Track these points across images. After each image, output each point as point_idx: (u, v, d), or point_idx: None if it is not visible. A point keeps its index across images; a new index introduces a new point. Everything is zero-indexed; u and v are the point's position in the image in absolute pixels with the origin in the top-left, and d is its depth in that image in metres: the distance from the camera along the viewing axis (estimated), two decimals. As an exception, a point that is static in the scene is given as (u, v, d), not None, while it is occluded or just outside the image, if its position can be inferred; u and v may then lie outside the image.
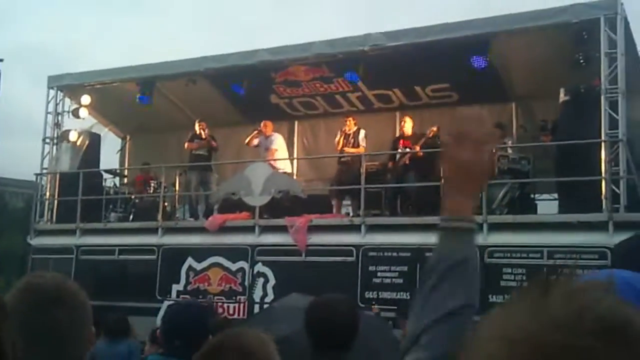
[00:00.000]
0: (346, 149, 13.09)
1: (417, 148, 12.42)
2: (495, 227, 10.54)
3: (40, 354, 1.87)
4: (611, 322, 0.69)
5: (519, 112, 13.68)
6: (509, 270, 10.08)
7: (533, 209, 11.34)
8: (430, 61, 12.45)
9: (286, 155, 14.22)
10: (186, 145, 14.51)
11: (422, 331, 1.48)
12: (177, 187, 14.52)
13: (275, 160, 13.50)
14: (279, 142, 13.87)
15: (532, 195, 11.54)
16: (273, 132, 13.96)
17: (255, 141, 13.93)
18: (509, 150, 11.95)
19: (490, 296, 10.08)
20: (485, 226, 10.53)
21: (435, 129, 12.38)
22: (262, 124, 13.86)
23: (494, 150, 1.50)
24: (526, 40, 11.76)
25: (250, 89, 14.38)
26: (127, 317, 8.01)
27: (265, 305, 11.31)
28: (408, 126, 12.94)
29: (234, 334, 2.02)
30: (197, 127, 14.45)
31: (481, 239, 10.47)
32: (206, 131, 14.46)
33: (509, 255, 10.24)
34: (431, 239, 10.34)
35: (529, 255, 10.01)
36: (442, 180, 1.62)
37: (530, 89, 12.99)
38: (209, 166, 14.54)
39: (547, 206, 11.70)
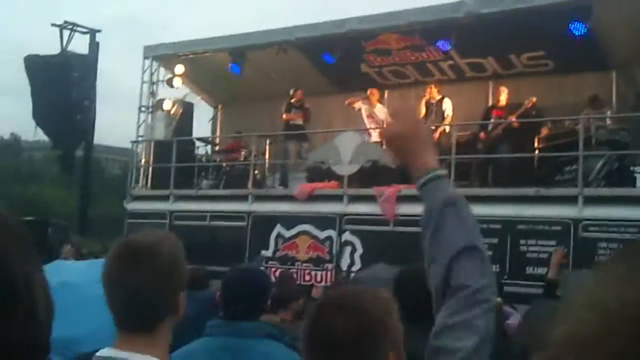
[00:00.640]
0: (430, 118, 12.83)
1: (513, 118, 12.10)
2: (591, 201, 10.18)
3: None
4: None
5: (620, 81, 13.09)
6: (605, 245, 9.73)
7: (632, 182, 10.92)
8: (526, 28, 12.05)
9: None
10: (284, 116, 14.55)
11: (442, 280, 1.68)
12: (267, 156, 14.65)
13: (372, 129, 13.46)
14: (383, 114, 13.88)
15: (631, 168, 11.08)
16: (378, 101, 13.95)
17: (357, 104, 13.89)
18: (608, 121, 11.51)
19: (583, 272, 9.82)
20: (580, 199, 10.20)
21: (534, 99, 12.06)
22: (369, 92, 13.84)
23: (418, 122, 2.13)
24: (627, 6, 11.25)
25: (341, 58, 14.32)
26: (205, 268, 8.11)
27: (352, 275, 11.33)
28: (503, 96, 12.63)
29: (347, 292, 1.99)
30: (294, 96, 14.47)
31: (576, 212, 10.17)
32: (302, 100, 14.52)
33: (605, 229, 9.88)
34: (523, 211, 10.20)
35: (627, 230, 9.62)
36: (393, 154, 1.87)
37: (632, 56, 12.40)
38: (305, 135, 14.58)
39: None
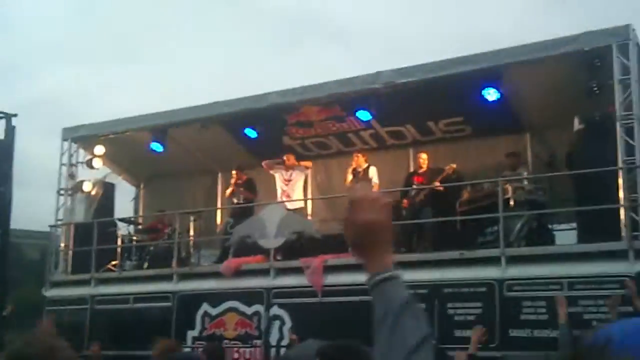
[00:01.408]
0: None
1: (437, 183, 12.27)
2: (513, 260, 10.29)
3: None
4: None
5: (534, 142, 13.47)
6: (529, 304, 9.79)
7: (551, 240, 11.08)
8: (442, 96, 12.36)
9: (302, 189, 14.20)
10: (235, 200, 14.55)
11: None
12: (191, 233, 14.41)
13: (289, 200, 13.44)
14: (302, 177, 13.91)
15: (549, 226, 11.29)
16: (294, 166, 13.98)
17: (273, 170, 13.93)
18: (525, 182, 11.75)
19: (510, 330, 9.83)
20: (503, 259, 10.29)
21: (454, 166, 12.29)
22: (285, 157, 13.91)
23: (385, 212, 1.76)
24: (538, 71, 11.64)
25: (263, 132, 14.38)
26: None
27: (282, 350, 11.09)
28: (424, 162, 12.82)
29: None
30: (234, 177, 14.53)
31: (500, 272, 10.25)
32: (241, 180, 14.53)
33: (528, 288, 9.96)
34: (449, 274, 10.21)
35: (549, 287, 9.71)
36: (351, 247, 1.72)
37: (544, 118, 12.80)
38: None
39: (566, 236, 11.43)
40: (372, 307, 1.69)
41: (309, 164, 14.28)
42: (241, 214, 14.11)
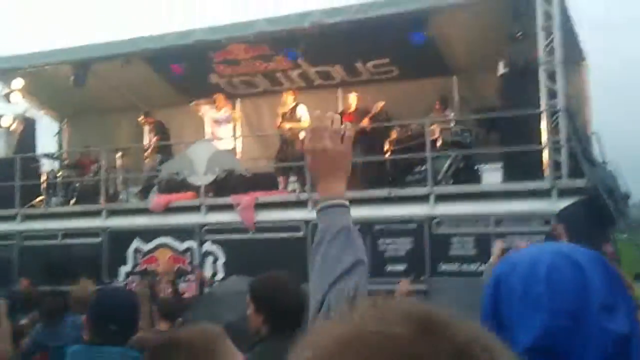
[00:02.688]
0: (285, 123, 13.05)
1: (367, 122, 12.54)
2: (441, 198, 10.74)
3: None
4: (417, 316, 0.75)
5: (460, 85, 13.91)
6: (457, 240, 10.30)
7: (477, 179, 11.62)
8: (370, 37, 12.53)
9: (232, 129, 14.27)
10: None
11: (323, 296, 1.70)
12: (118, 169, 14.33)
13: (220, 139, 13.49)
14: (234, 116, 13.95)
15: (475, 167, 11.80)
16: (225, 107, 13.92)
17: (202, 110, 13.91)
18: (452, 124, 12.20)
19: (440, 264, 10.37)
20: (432, 197, 10.74)
21: (381, 104, 12.58)
22: (215, 96, 13.81)
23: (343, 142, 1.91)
24: (464, 15, 11.93)
25: (189, 69, 14.26)
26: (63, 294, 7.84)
27: (216, 284, 11.31)
28: (353, 102, 13.04)
29: (183, 332, 2.09)
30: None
31: (428, 209, 10.71)
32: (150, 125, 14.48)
33: (456, 225, 10.46)
34: (378, 211, 10.62)
35: (476, 224, 10.25)
36: (309, 172, 1.85)
37: (470, 62, 13.19)
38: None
39: (492, 176, 11.97)
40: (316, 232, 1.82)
41: (235, 114, 14.27)
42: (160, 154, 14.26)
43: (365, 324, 0.73)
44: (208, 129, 13.84)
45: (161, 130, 14.63)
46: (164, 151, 14.27)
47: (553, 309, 1.29)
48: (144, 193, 13.83)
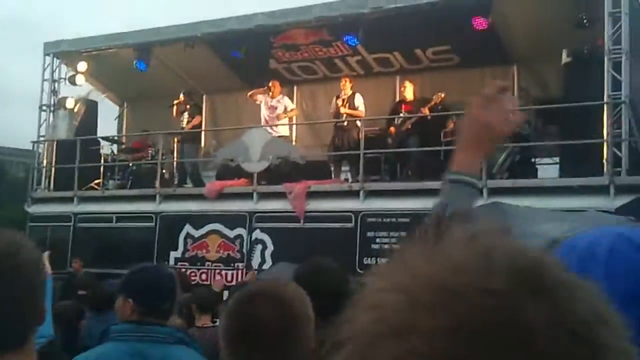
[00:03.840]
0: (342, 110, 12.78)
1: (426, 111, 12.21)
2: (495, 192, 10.35)
3: None
4: (523, 264, 0.56)
5: (521, 74, 13.41)
6: (511, 235, 9.90)
7: (534, 173, 11.16)
8: (431, 23, 12.21)
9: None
10: (187, 126, 14.37)
11: None
12: (175, 154, 14.39)
13: (277, 125, 13.33)
14: (290, 103, 13.77)
15: (532, 160, 11.34)
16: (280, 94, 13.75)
17: (259, 98, 13.66)
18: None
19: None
20: (485, 191, 10.36)
21: (443, 95, 12.22)
22: (270, 83, 13.53)
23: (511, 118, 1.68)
24: (528, 1, 11.50)
25: (249, 54, 14.18)
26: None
27: (263, 271, 11.23)
28: (409, 91, 12.70)
29: (269, 284, 1.99)
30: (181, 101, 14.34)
31: (481, 203, 10.33)
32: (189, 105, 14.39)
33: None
34: (431, 204, 10.36)
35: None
36: (458, 137, 1.71)
37: (532, 50, 12.68)
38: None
39: (549, 170, 11.51)
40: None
41: (293, 113, 14.09)
42: (191, 139, 14.32)
43: (457, 270, 0.56)
44: (263, 116, 13.67)
45: (200, 113, 14.55)
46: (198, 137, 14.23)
47: (611, 293, 1.14)
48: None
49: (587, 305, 0.57)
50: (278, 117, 13.40)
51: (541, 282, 0.55)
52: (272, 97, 13.51)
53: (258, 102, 13.74)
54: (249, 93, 13.75)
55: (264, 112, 13.47)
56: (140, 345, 3.12)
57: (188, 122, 14.20)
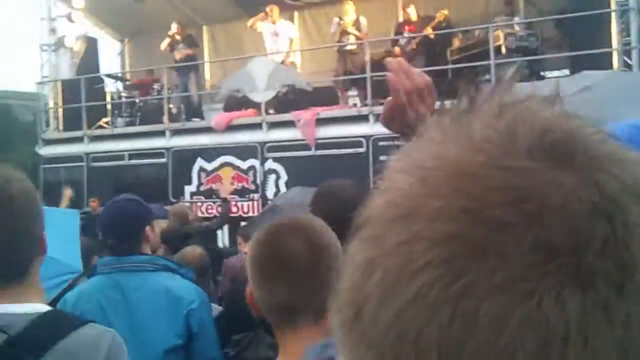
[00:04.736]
0: (351, 30, 12.61)
1: (430, 30, 12.08)
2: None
3: None
4: (553, 138, 0.50)
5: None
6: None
7: (544, 87, 11.10)
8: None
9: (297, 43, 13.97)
10: (176, 55, 14.10)
11: None
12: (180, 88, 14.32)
13: (283, 52, 13.21)
14: (294, 31, 13.56)
15: (541, 73, 11.28)
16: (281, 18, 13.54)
17: (259, 26, 13.42)
18: (517, 28, 11.64)
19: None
20: (495, 107, 10.36)
21: (446, 12, 12.07)
22: (268, 8, 13.25)
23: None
24: None
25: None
26: None
27: (278, 195, 11.32)
28: (412, 10, 12.55)
29: (297, 217, 1.96)
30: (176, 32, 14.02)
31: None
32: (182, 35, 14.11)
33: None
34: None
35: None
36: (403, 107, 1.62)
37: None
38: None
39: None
40: None
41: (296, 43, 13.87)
42: (183, 69, 14.02)
43: (474, 148, 0.50)
44: (267, 44, 13.50)
45: (195, 44, 14.38)
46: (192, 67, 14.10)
47: None
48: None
49: (624, 181, 0.49)
50: (287, 43, 13.29)
51: (571, 157, 0.49)
52: (273, 23, 13.34)
53: (259, 31, 13.58)
54: (249, 23, 13.56)
55: (268, 40, 13.33)
56: (119, 276, 3.23)
57: (187, 55, 14.08)
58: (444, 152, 0.51)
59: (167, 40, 13.98)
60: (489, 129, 0.51)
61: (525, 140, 0.49)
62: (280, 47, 13.35)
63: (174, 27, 14.00)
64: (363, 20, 12.62)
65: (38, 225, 1.89)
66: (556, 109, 0.52)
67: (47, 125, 14.89)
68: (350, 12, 12.71)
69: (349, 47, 12.57)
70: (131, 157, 13.19)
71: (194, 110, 13.94)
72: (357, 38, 12.51)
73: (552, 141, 0.49)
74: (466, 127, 0.52)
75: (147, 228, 3.46)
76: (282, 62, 13.19)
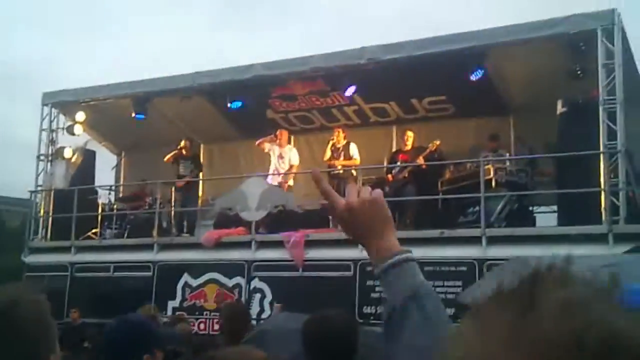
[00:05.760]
0: (337, 162, 12.96)
1: (421, 160, 12.31)
2: (493, 240, 10.42)
3: None
4: (622, 346, 0.51)
5: (517, 124, 13.56)
6: (509, 284, 9.90)
7: (531, 222, 11.20)
8: (426, 74, 12.36)
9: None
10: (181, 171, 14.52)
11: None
12: (172, 203, 14.41)
13: (281, 174, 13.43)
14: (296, 158, 13.83)
15: (530, 208, 11.41)
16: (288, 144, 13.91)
17: (267, 146, 13.79)
18: (507, 163, 11.86)
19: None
20: (484, 239, 10.42)
21: (438, 142, 12.34)
22: (278, 132, 13.75)
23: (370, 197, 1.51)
24: (523, 52, 11.69)
25: (246, 104, 14.29)
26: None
27: (262, 321, 11.15)
28: (410, 141, 12.86)
29: (229, 351, 1.98)
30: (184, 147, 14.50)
31: (481, 252, 10.38)
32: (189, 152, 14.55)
33: (508, 268, 10.08)
34: (430, 252, 10.29)
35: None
36: (348, 234, 1.54)
37: (527, 101, 12.87)
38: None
39: (546, 219, 11.58)
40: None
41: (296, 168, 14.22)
42: (187, 188, 14.45)
43: (543, 349, 0.50)
44: (273, 165, 13.73)
45: (199, 165, 14.73)
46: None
47: None
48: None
49: None
50: (290, 167, 13.57)
51: None
52: (281, 147, 13.64)
53: (266, 151, 13.84)
54: (257, 142, 13.86)
55: (274, 161, 13.59)
56: None
57: (191, 171, 14.34)
58: (516, 344, 0.52)
59: (173, 153, 14.24)
60: (557, 329, 0.52)
61: (593, 346, 0.50)
62: (282, 170, 13.59)
63: (183, 143, 14.51)
64: (353, 147, 12.92)
65: (43, 347, 1.84)
66: (622, 312, 0.53)
67: (36, 233, 14.84)
68: (341, 139, 13.05)
69: (340, 172, 12.79)
70: (116, 269, 13.08)
71: (189, 225, 14.00)
72: (346, 166, 12.75)
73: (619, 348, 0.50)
74: (532, 323, 0.53)
75: (146, 356, 3.33)
76: (279, 185, 13.38)
